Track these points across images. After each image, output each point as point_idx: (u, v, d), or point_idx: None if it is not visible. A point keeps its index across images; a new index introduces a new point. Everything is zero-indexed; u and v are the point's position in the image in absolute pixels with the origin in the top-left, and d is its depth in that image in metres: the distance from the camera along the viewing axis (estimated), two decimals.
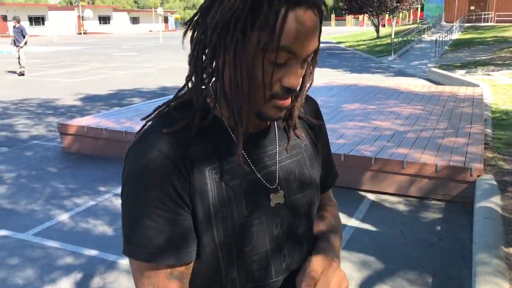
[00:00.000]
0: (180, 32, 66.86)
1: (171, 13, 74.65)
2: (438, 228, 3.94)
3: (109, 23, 62.86)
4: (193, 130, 0.83)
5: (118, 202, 4.53)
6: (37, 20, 53.98)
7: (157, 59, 21.10)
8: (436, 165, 4.40)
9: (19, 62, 14.64)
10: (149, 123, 0.88)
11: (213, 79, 0.84)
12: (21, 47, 14.20)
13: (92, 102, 10.16)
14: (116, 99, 10.43)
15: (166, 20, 71.18)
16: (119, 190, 4.85)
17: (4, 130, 7.52)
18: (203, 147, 0.84)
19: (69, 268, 3.32)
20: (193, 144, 0.83)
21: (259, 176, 0.88)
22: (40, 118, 8.44)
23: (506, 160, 5.13)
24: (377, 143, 5.16)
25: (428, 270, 3.27)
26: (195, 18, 0.83)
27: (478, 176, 4.37)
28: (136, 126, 6.11)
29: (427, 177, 4.47)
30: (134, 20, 67.51)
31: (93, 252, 3.55)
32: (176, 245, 0.81)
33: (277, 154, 0.92)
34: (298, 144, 0.98)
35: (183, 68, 17.14)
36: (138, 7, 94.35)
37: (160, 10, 58.30)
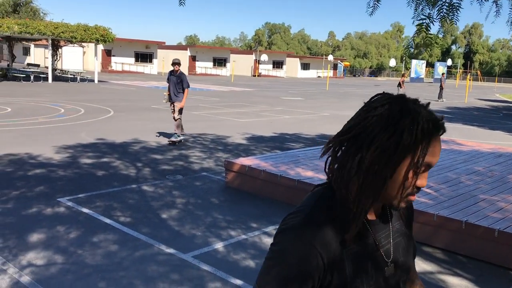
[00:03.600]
0: (348, 79, 68.02)
1: (341, 61, 76.40)
2: None
3: (281, 67, 66.94)
4: (350, 233, 1.09)
5: (265, 240, 4.96)
6: (220, 62, 60.08)
7: (321, 106, 21.87)
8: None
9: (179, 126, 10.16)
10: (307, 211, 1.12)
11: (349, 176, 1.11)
12: (180, 106, 9.90)
13: (256, 142, 11.08)
14: (278, 142, 11.20)
15: (335, 67, 73.06)
16: (267, 229, 5.31)
17: (182, 160, 8.69)
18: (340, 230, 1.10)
19: None
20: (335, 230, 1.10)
21: (382, 253, 1.17)
22: (211, 152, 9.53)
23: None
24: None
25: None
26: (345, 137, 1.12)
27: None
28: (290, 171, 6.57)
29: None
30: (305, 66, 70.75)
31: (238, 282, 3.99)
32: None
33: (391, 234, 1.20)
34: (401, 227, 1.26)
35: (344, 116, 17.50)
36: (310, 53, 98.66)
37: (330, 58, 59.90)
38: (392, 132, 1.04)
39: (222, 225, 5.35)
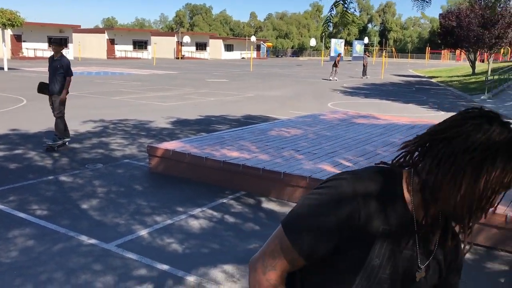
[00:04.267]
0: (271, 59, 68.69)
1: (264, 42, 76.92)
2: (502, 280, 3.86)
3: (205, 49, 66.25)
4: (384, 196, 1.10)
5: (192, 223, 4.93)
6: (141, 45, 58.28)
7: (246, 87, 21.96)
8: (506, 216, 4.31)
9: None
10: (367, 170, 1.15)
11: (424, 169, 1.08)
12: (60, 99, 8.05)
13: (181, 126, 10.91)
14: (203, 125, 11.11)
15: (258, 48, 73.47)
16: (194, 211, 5.27)
17: (102, 148, 8.36)
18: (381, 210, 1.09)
19: (142, 279, 3.73)
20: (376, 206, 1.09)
21: (418, 255, 1.15)
22: (134, 139, 9.26)
23: None
24: None
25: None
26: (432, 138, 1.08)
27: None
28: (216, 153, 6.55)
29: (497, 227, 4.39)
30: (228, 47, 70.49)
31: (164, 267, 3.93)
32: (316, 253, 1.09)
33: (436, 244, 1.18)
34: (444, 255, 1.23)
35: (269, 97, 17.73)
36: (233, 35, 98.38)
37: (253, 38, 60.20)
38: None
39: (146, 212, 5.24)
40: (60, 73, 7.86)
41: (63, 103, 8.05)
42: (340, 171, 1.20)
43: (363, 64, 31.30)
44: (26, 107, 13.37)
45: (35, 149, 8.07)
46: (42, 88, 8.09)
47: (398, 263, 1.11)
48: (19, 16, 28.36)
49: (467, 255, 4.31)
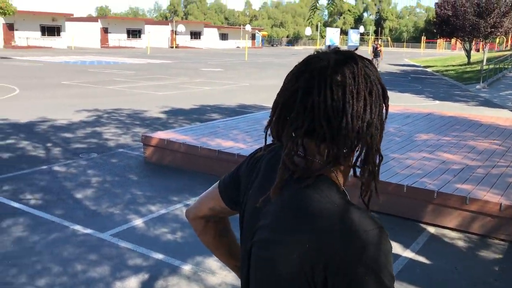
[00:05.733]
0: (266, 49, 68.39)
1: (259, 31, 76.53)
2: (496, 268, 3.88)
3: (199, 38, 65.83)
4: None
5: None
6: (135, 33, 57.83)
7: (240, 76, 21.87)
8: (501, 204, 4.32)
9: None
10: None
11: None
12: None
13: (175, 115, 10.86)
14: (198, 114, 11.06)
15: (253, 37, 73.10)
16: (189, 201, 5.25)
17: (96, 138, 8.31)
18: None
19: (138, 269, 3.72)
20: None
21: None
22: (128, 128, 9.21)
23: None
24: (443, 176, 5.13)
25: None
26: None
27: None
28: (211, 142, 6.52)
29: (491, 215, 4.40)
30: (223, 36, 70.11)
31: (160, 256, 3.92)
32: None
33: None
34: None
35: (264, 86, 17.67)
36: (228, 23, 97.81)
37: (248, 27, 59.89)
38: None
39: (141, 201, 5.21)
40: None
41: None
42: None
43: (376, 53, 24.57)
44: (18, 96, 13.25)
45: (28, 139, 8.01)
46: None
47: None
48: (11, 5, 28.04)
49: (461, 243, 4.34)
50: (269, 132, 1.03)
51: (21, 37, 45.67)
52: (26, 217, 4.67)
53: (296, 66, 1.00)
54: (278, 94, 1.00)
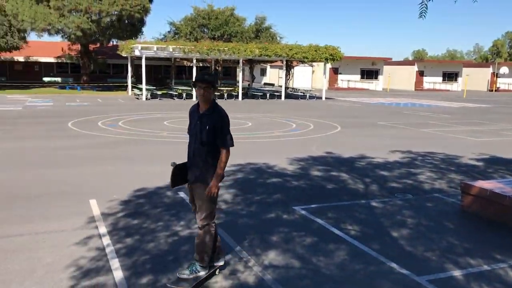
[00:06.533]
0: None
1: None
2: None
3: None
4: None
5: None
6: (451, 76, 56.25)
7: None
8: None
9: None
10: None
11: None
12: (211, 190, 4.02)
13: (495, 164, 9.95)
14: None
15: None
16: None
17: (410, 179, 8.37)
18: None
19: None
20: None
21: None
22: (443, 173, 8.93)
23: None
24: None
25: None
26: None
27: None
28: None
29: None
30: None
31: None
32: None
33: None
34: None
35: None
36: None
37: None
38: None
39: (459, 252, 4.94)
40: (210, 137, 4.00)
41: (214, 199, 4.10)
42: None
43: None
44: (340, 133, 14.62)
45: (349, 173, 8.70)
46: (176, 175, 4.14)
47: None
48: (340, 52, 31.42)
49: None
50: None
51: (343, 79, 50.61)
52: (346, 245, 5.06)
53: None
54: None
